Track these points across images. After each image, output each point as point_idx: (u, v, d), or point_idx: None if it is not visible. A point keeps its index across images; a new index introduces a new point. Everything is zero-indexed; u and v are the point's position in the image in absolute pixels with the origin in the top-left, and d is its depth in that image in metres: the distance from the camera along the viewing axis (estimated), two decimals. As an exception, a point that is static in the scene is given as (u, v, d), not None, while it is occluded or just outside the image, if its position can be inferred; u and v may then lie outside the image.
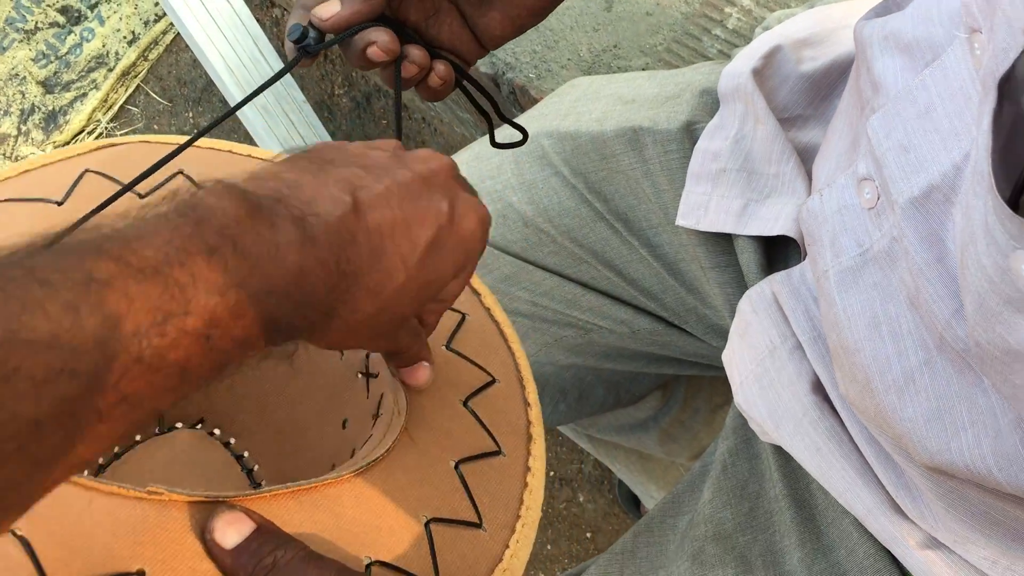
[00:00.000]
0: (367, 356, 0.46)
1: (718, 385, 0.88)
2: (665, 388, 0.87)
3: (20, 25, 1.64)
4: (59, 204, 0.47)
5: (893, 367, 0.43)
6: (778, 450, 0.57)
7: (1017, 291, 0.31)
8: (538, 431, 0.47)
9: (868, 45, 0.48)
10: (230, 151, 0.52)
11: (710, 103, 0.65)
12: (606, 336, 0.72)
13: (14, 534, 0.30)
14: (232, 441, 0.51)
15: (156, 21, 1.61)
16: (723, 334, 0.64)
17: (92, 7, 1.63)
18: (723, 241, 0.61)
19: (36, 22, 1.64)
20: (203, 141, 0.51)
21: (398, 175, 0.37)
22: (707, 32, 0.85)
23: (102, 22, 1.62)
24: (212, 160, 0.51)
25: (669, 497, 0.64)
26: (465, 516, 0.40)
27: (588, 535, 1.29)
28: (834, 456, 0.51)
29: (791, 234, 0.56)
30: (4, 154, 1.56)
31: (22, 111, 1.59)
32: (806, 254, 0.54)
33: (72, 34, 1.62)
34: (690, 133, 0.64)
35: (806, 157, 0.59)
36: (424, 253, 0.37)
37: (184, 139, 0.51)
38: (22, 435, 0.24)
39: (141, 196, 0.47)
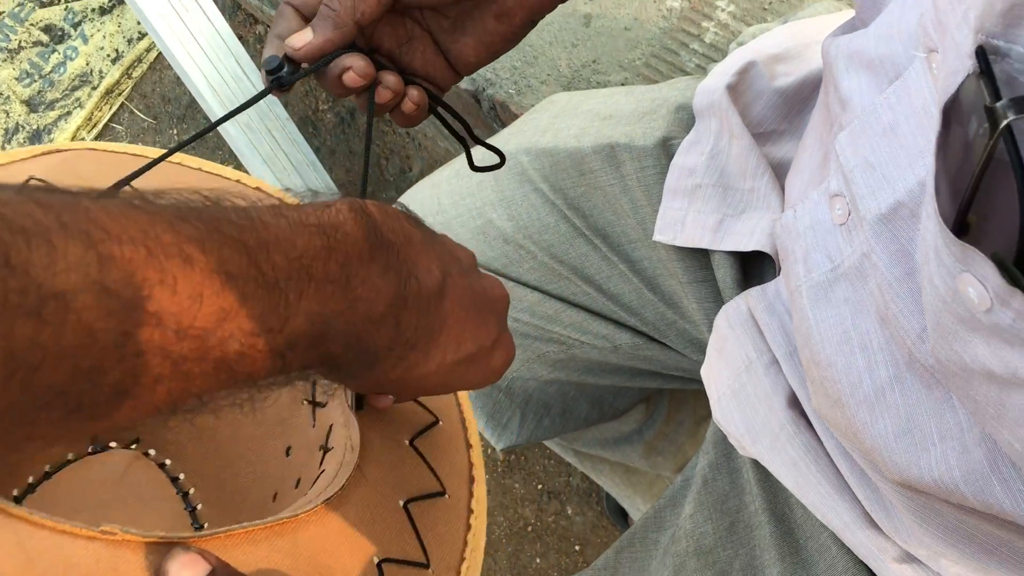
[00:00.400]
0: (313, 384, 0.46)
1: (701, 398, 0.88)
2: (649, 401, 0.87)
3: (3, 44, 1.64)
4: None
5: (864, 382, 0.43)
6: (757, 464, 0.58)
7: (967, 311, 0.32)
8: (479, 474, 0.48)
9: (835, 62, 0.48)
10: (199, 168, 0.52)
11: (686, 119, 0.65)
12: (588, 351, 0.72)
13: None
14: (168, 463, 0.50)
15: (140, 39, 1.61)
16: (703, 348, 0.64)
17: (75, 26, 1.63)
18: (700, 256, 0.62)
19: (19, 41, 1.64)
20: (175, 156, 0.51)
21: (475, 282, 0.39)
22: (685, 47, 0.85)
23: (85, 40, 1.62)
24: (182, 177, 0.51)
25: (651, 512, 0.64)
26: (413, 556, 0.40)
27: (577, 548, 1.29)
28: (810, 471, 0.51)
29: (766, 249, 0.56)
30: (-12, 174, 1.56)
31: (6, 130, 1.59)
32: (780, 269, 0.54)
33: (56, 53, 1.62)
34: (666, 149, 0.64)
35: (780, 172, 0.59)
36: (458, 361, 0.38)
37: (135, 148, 0.51)
38: (99, 406, 0.25)
39: None
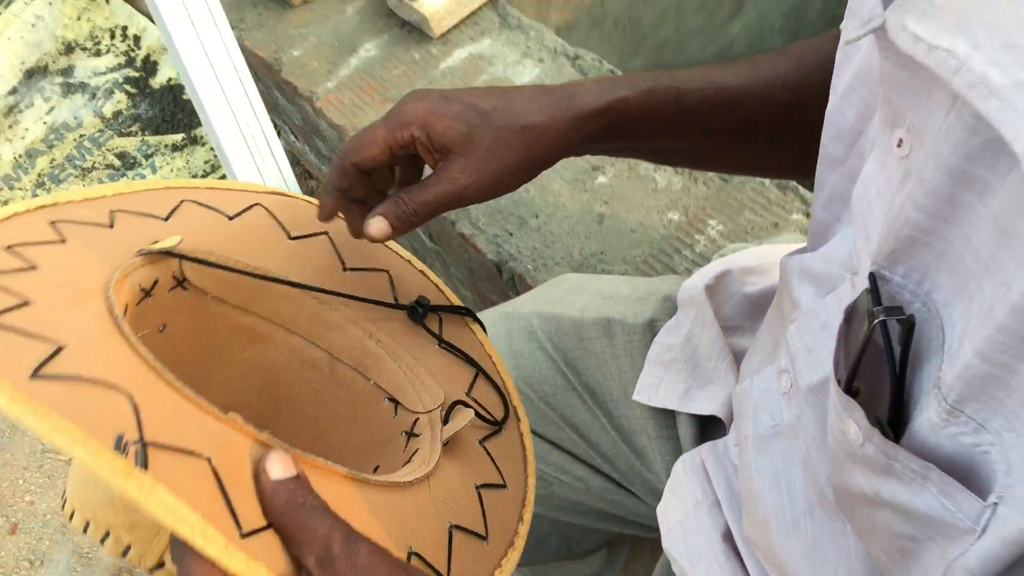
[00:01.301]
0: (415, 422, 0.58)
1: (656, 549, 1.00)
2: (611, 548, 0.98)
3: (79, 163, 1.83)
4: (230, 218, 0.59)
5: (785, 513, 0.56)
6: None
7: (850, 446, 0.45)
8: (519, 544, 0.55)
9: (790, 274, 0.63)
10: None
11: (670, 307, 0.80)
12: (565, 490, 0.85)
13: (129, 398, 0.38)
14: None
15: (204, 176, 1.81)
16: (661, 496, 0.77)
17: (147, 156, 1.83)
18: (667, 416, 0.75)
19: (94, 162, 1.83)
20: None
21: None
22: (678, 252, 1.02)
23: (154, 171, 1.81)
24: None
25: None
26: (441, 567, 0.48)
27: None
28: (735, 594, 0.63)
29: (720, 415, 0.70)
30: (42, 272, 1.71)
31: (66, 237, 1.76)
32: (729, 430, 0.68)
33: (124, 177, 1.81)
34: (652, 328, 0.79)
35: (739, 357, 0.74)
36: None
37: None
38: None
39: (291, 238, 0.61)
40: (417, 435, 0.56)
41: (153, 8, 1.13)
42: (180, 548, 0.39)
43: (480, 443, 0.58)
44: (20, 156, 1.85)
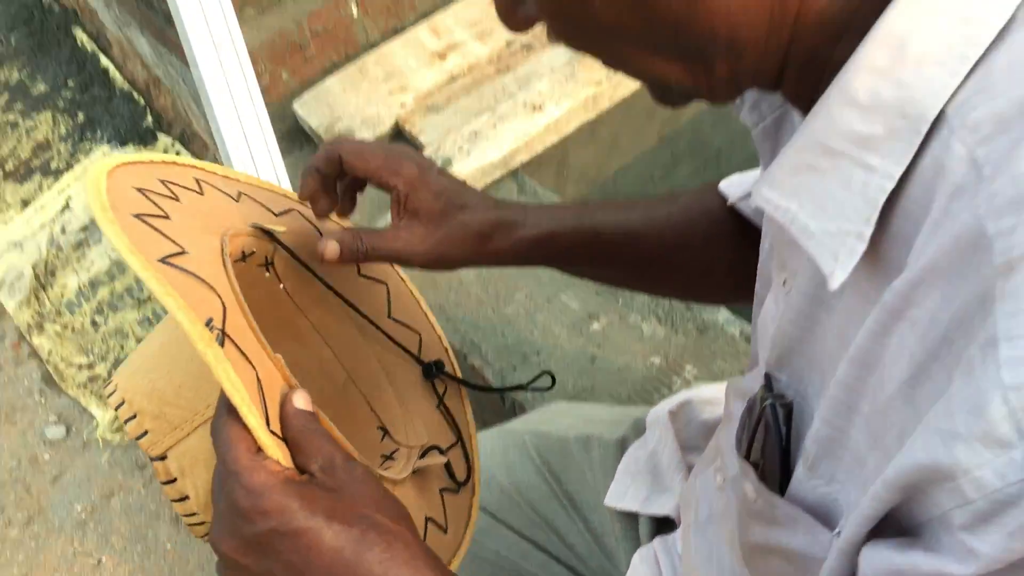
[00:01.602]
0: (395, 450, 0.70)
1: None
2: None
3: (136, 294, 2.02)
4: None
5: None
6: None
7: (748, 503, 0.58)
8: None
9: (728, 394, 0.78)
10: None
11: (640, 428, 0.95)
12: (545, 588, 0.97)
13: (221, 302, 0.50)
14: None
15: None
16: (626, 590, 0.89)
17: (198, 292, 2.02)
18: (631, 518, 0.88)
19: (149, 294, 2.03)
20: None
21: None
22: (658, 391, 1.17)
23: (203, 304, 2.00)
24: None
25: None
26: None
27: None
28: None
29: (672, 516, 0.83)
30: (92, 391, 1.88)
31: (116, 359, 1.93)
32: (679, 526, 0.81)
33: (175, 309, 2.00)
34: (623, 445, 0.93)
35: (691, 469, 0.88)
36: None
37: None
38: None
39: (359, 274, 0.73)
40: (393, 459, 0.70)
41: (227, 161, 1.34)
42: (220, 421, 0.51)
43: (439, 491, 0.71)
44: (84, 285, 2.05)
